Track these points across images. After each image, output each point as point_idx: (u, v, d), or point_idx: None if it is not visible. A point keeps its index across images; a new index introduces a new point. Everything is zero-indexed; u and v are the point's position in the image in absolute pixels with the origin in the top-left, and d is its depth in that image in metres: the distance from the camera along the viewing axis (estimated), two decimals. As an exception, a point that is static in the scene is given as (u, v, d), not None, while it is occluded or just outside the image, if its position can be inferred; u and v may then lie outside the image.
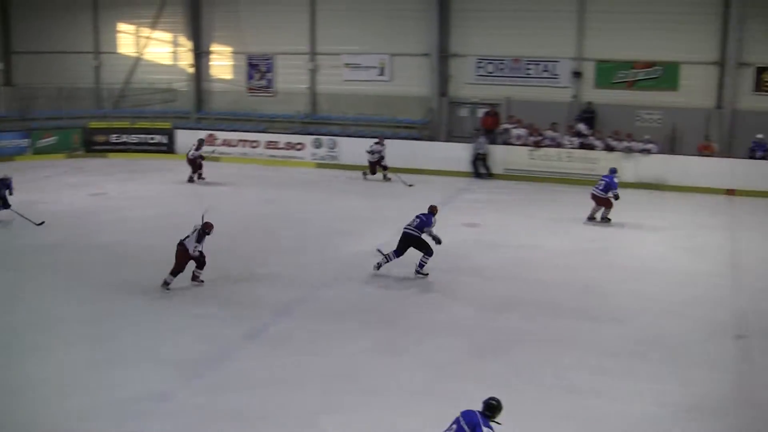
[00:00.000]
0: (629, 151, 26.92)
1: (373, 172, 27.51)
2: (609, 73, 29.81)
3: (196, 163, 27.14)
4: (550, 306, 14.71)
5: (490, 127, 29.67)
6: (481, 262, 17.42)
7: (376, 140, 27.60)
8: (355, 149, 29.06)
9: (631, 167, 26.61)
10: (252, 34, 34.28)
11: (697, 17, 28.77)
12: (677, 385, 11.46)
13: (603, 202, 21.23)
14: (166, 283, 15.20)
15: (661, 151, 27.34)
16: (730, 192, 25.94)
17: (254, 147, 31.49)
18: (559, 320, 14.01)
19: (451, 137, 30.81)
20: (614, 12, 29.22)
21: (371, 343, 12.81)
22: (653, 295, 15.57)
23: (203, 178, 27.08)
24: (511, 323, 13.83)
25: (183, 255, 15.17)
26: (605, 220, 21.35)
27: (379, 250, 16.42)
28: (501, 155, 28.35)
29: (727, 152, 27.88)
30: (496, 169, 28.09)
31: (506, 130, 28.87)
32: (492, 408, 8.54)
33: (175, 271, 15.18)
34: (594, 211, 21.48)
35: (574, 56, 29.95)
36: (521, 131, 28.35)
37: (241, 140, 31.76)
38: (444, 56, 31.32)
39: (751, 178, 25.80)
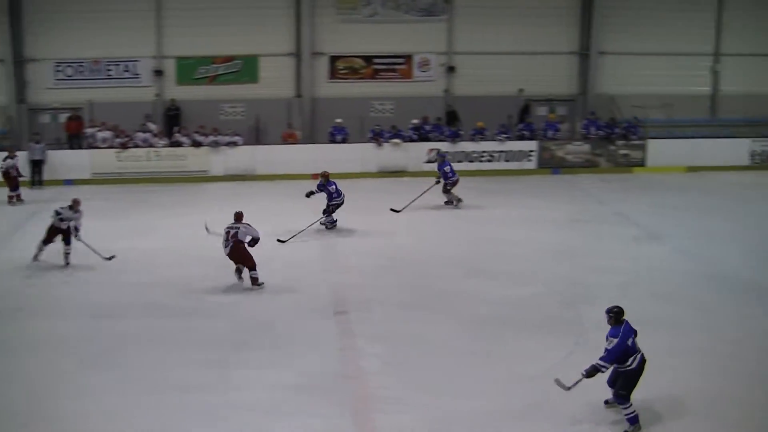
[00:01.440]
0: (216, 144, 27.25)
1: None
2: (190, 69, 30.02)
3: (9, 177, 23.75)
4: (154, 307, 14.55)
5: (74, 131, 28.71)
6: (78, 270, 16.83)
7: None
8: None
9: (220, 161, 26.99)
10: None
11: (271, 11, 29.84)
12: (287, 368, 11.82)
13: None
14: (255, 281, 15.47)
15: (247, 143, 27.97)
16: (315, 176, 27.01)
17: None
18: (164, 320, 13.87)
19: (33, 145, 29.46)
20: (191, 9, 29.40)
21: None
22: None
23: (21, 201, 23.72)
24: (116, 329, 13.49)
25: (242, 249, 15.33)
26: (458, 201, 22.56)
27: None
28: (87, 160, 27.51)
29: (310, 138, 29.13)
30: (84, 174, 27.14)
31: (91, 134, 28.06)
32: (622, 312, 9.89)
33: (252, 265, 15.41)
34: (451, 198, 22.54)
35: (154, 55, 29.79)
36: (107, 134, 27.69)
37: None
38: (20, 61, 29.78)
39: (334, 161, 27.06)
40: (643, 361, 9.86)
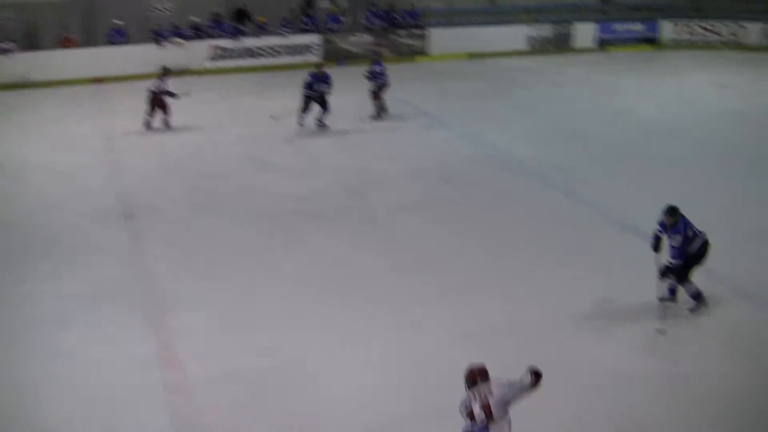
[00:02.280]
0: (-13, 53, 25.85)
1: None
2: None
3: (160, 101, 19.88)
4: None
5: None
6: None
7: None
8: None
9: (-7, 69, 25.69)
10: None
11: None
12: (77, 277, 11.56)
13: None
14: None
15: (21, 50, 26.62)
16: (98, 80, 26.18)
17: None
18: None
19: None
20: None
21: None
22: (35, 194, 15.45)
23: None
24: None
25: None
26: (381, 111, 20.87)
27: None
28: None
29: (89, 42, 28.01)
30: None
31: None
32: (676, 210, 10.00)
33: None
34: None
35: None
36: None
37: None
38: None
39: (115, 63, 26.22)
40: (705, 243, 10.15)
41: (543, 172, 16.07)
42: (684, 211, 9.97)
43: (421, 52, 28.88)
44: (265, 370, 9.05)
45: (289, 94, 21.53)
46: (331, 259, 12.00)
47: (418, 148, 17.94)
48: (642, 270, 10.45)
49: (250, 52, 27.50)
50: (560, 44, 30.45)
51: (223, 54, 27.53)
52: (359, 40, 28.48)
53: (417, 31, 28.90)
